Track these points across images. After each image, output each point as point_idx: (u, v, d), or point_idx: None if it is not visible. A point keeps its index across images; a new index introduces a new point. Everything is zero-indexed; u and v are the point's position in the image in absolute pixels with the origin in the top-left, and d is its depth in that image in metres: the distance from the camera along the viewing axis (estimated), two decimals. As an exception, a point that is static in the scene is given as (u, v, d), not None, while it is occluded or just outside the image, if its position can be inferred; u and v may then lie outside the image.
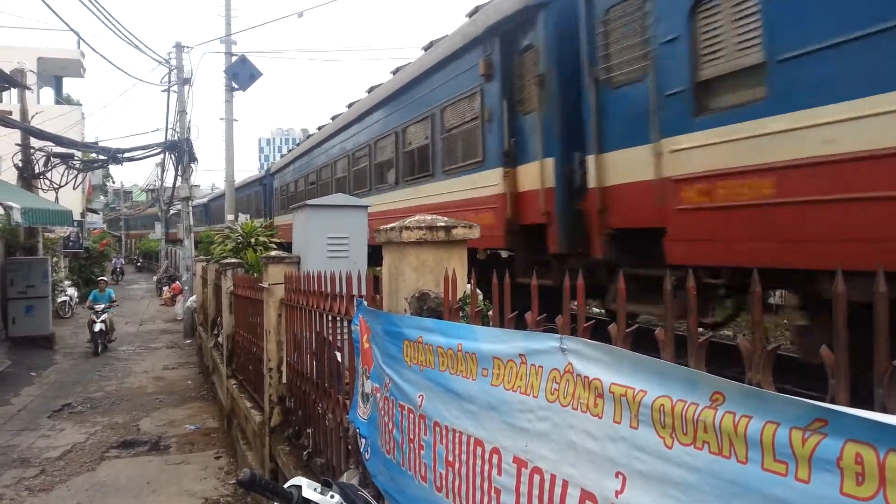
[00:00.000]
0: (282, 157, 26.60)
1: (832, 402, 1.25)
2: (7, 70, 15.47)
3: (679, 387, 1.43)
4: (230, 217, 18.15)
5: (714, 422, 1.32)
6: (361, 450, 3.30)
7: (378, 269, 3.43)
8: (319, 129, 18.26)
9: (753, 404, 1.26)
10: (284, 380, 5.77)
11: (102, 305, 15.85)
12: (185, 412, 9.96)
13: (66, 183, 18.24)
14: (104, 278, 19.68)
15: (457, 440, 2.32)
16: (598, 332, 1.84)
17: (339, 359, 4.05)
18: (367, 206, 6.85)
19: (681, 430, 1.41)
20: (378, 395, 3.06)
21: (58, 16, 28.08)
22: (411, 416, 2.66)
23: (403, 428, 2.73)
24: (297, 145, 24.58)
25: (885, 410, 1.16)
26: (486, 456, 2.15)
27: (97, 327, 15.27)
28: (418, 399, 2.60)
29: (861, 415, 1.09)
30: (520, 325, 2.21)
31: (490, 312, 2.46)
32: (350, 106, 15.30)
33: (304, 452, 4.85)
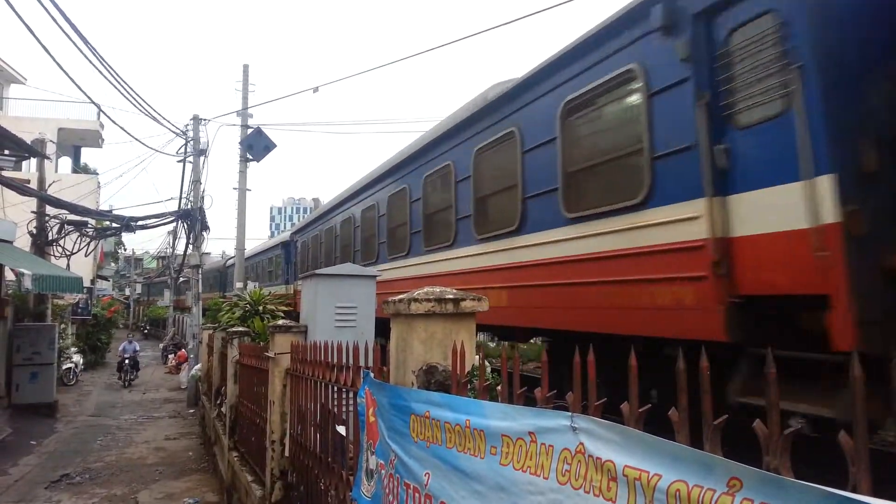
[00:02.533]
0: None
1: (854, 490, 1.20)
2: (28, 140, 15.93)
3: (695, 471, 1.38)
4: (239, 284, 18.22)
5: None
6: (365, 529, 3.19)
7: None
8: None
9: (772, 491, 1.22)
10: (287, 453, 5.64)
11: None
12: (185, 485, 9.71)
13: (79, 250, 18.46)
14: None
15: (464, 522, 2.24)
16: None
17: (344, 433, 3.97)
18: (375, 276, 6.87)
19: (697, 517, 1.35)
20: (383, 471, 2.98)
21: (80, 88, 29.21)
22: (417, 495, 2.58)
23: (409, 507, 2.64)
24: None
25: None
26: (495, 539, 2.06)
27: None
28: (424, 477, 2.53)
29: (885, 505, 1.04)
30: (530, 401, 2.17)
31: (499, 387, 2.42)
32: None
33: (306, 530, 4.70)
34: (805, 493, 1.16)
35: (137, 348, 23.51)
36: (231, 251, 28.91)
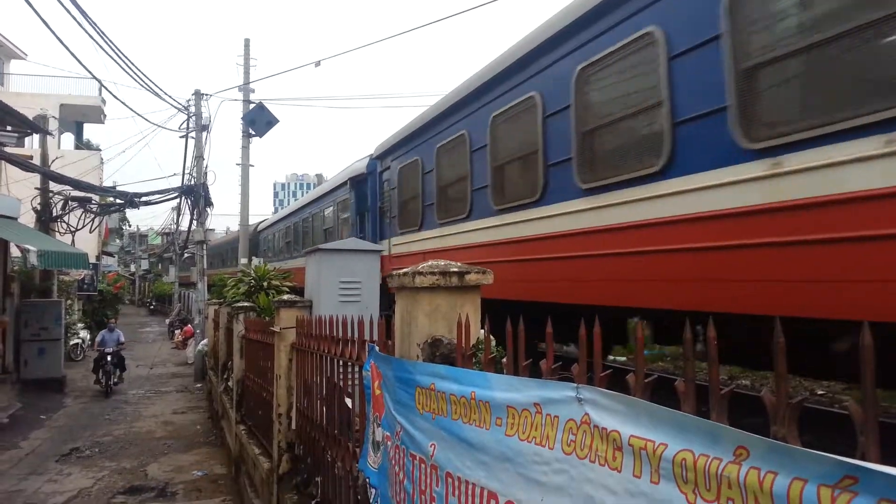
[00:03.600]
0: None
1: (862, 458, 1.20)
2: (30, 116, 15.86)
3: (701, 440, 1.38)
4: (244, 260, 18.24)
5: (738, 478, 1.27)
6: (371, 500, 3.22)
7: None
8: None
9: (779, 460, 1.21)
10: (294, 426, 5.69)
11: None
12: (193, 458, 9.84)
13: (83, 226, 18.49)
14: None
15: (469, 492, 2.25)
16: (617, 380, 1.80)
17: (350, 405, 3.99)
18: (380, 251, 6.87)
19: (704, 485, 1.35)
20: (389, 443, 3.00)
21: (82, 64, 29.16)
22: (423, 466, 2.59)
23: (415, 478, 2.66)
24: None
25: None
26: (500, 509, 2.08)
27: None
28: (430, 448, 2.54)
29: (894, 473, 1.04)
30: (535, 373, 2.17)
31: (504, 359, 2.42)
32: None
33: (313, 501, 4.76)
34: (813, 462, 1.16)
35: (122, 339, 16.40)
36: (235, 227, 27.46)
